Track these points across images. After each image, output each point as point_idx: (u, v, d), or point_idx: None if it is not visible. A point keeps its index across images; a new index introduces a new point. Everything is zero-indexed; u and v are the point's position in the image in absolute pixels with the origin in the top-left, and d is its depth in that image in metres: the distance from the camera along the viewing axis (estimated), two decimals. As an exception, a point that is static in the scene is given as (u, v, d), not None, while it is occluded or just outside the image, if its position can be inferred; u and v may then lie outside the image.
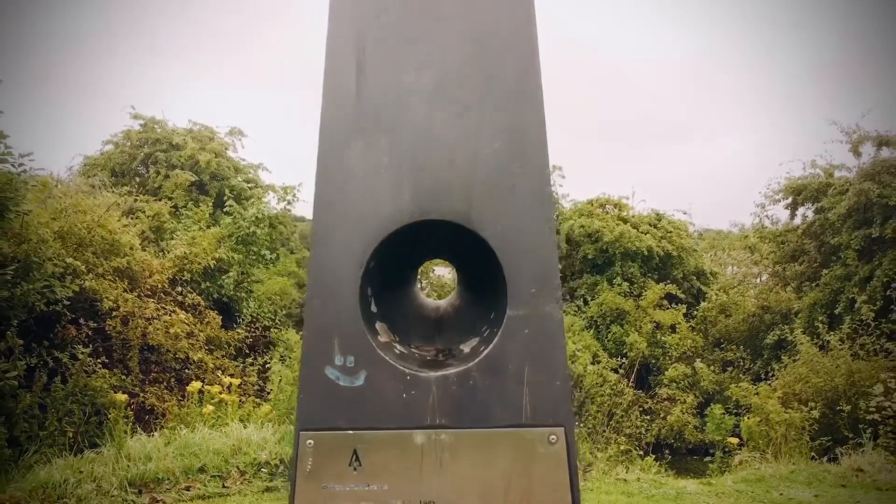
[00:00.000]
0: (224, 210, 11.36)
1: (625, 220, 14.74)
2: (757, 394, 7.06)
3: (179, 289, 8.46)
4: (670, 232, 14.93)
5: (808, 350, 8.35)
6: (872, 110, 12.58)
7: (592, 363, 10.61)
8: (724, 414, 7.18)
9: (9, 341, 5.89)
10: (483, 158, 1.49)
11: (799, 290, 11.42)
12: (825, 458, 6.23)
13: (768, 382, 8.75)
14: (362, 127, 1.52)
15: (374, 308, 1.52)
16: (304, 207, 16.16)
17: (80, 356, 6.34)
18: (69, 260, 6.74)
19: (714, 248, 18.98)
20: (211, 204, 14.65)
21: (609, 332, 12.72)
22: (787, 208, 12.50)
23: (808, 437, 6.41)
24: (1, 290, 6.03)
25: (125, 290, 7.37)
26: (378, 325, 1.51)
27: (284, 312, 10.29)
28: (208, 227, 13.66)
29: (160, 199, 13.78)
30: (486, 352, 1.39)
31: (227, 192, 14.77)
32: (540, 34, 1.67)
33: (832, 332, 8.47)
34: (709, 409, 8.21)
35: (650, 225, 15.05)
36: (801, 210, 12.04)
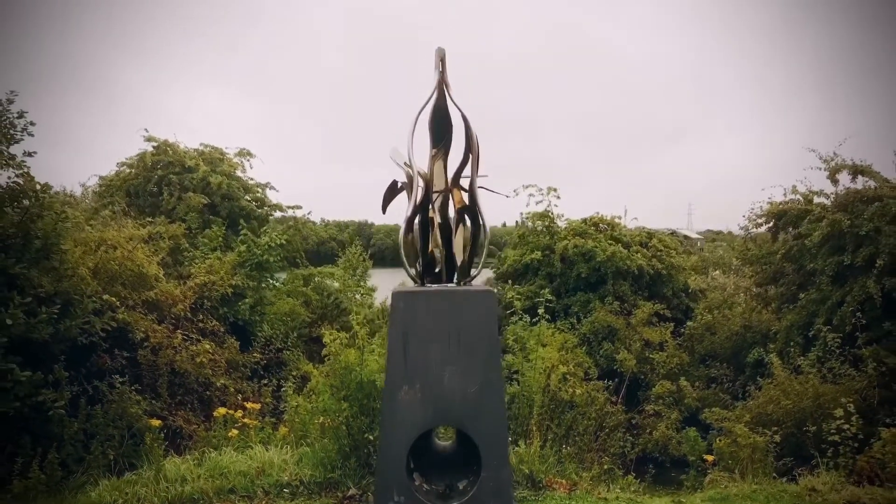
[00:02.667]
0: (239, 237, 12.06)
1: (617, 240, 15.46)
2: (728, 419, 7.75)
3: (201, 316, 9.16)
4: (660, 251, 15.65)
5: (780, 373, 9.05)
6: (850, 138, 13.16)
7: (585, 378, 11.32)
8: (697, 436, 7.86)
9: (56, 374, 6.60)
10: (469, 395, 3.20)
11: (779, 310, 12.12)
12: (787, 479, 6.91)
13: (744, 402, 9.46)
14: (409, 377, 3.20)
15: (412, 465, 3.02)
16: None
17: (118, 386, 7.04)
18: (105, 297, 7.43)
19: (704, 263, 19.72)
20: (222, 225, 15.39)
21: (601, 348, 13.44)
22: (769, 231, 13.21)
23: (773, 457, 7.09)
24: (47, 327, 6.73)
25: (154, 322, 8.07)
26: (415, 475, 2.88)
27: (295, 334, 10.97)
28: (219, 248, 14.43)
29: (174, 221, 14.52)
30: (472, 491, 2.87)
31: (240, 217, 15.52)
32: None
33: (804, 357, 9.17)
34: (684, 431, 8.91)
35: (641, 245, 15.78)
36: (781, 234, 12.74)
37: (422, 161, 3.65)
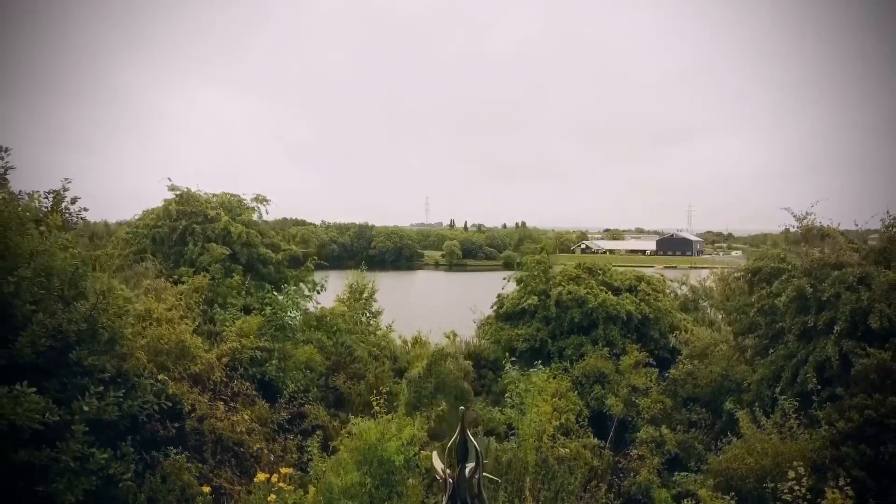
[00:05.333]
0: (265, 301, 13.27)
1: (608, 286, 16.68)
2: (695, 481, 8.92)
3: (235, 383, 10.36)
4: (648, 294, 16.86)
5: (747, 429, 10.24)
6: (827, 200, 14.33)
7: (577, 421, 12.61)
8: (668, 497, 9.03)
9: (123, 449, 7.81)
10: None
11: (752, 361, 13.31)
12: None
13: (715, 454, 10.67)
14: None
15: None
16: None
17: (172, 455, 8.24)
18: (160, 377, 8.64)
19: (694, 295, 20.93)
20: (242, 272, 16.65)
21: (592, 390, 14.65)
22: (746, 283, 14.42)
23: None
24: (114, 408, 7.93)
25: (198, 393, 9.27)
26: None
27: (315, 389, 12.16)
28: (240, 293, 15.65)
29: (198, 271, 15.79)
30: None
31: (258, 262, 16.78)
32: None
33: (769, 416, 10.35)
34: (654, 490, 10.11)
35: (630, 289, 17.00)
36: (756, 289, 13.93)
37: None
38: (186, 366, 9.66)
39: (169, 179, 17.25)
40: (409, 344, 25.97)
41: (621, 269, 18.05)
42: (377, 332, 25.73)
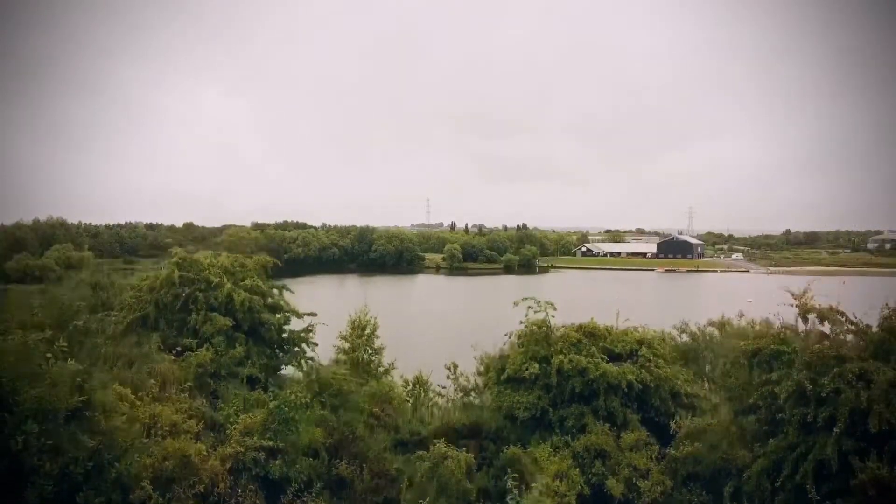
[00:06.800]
0: (269, 391, 13.38)
1: (609, 352, 16.77)
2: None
3: (240, 490, 10.47)
4: (650, 360, 16.94)
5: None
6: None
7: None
8: None
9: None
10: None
11: (752, 447, 13.39)
12: None
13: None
14: None
15: None
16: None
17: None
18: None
19: (694, 350, 21.03)
20: (244, 340, 16.78)
21: (593, 465, 14.75)
22: (745, 362, 14.49)
23: None
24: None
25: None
26: None
27: (319, 484, 12.26)
28: (243, 362, 15.73)
29: (202, 342, 15.93)
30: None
31: (260, 327, 16.89)
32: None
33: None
34: None
35: (632, 353, 17.09)
36: (756, 371, 14.01)
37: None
38: (191, 482, 9.77)
39: (175, 249, 17.36)
40: (410, 385, 26.15)
41: (622, 330, 18.13)
42: (379, 377, 25.89)
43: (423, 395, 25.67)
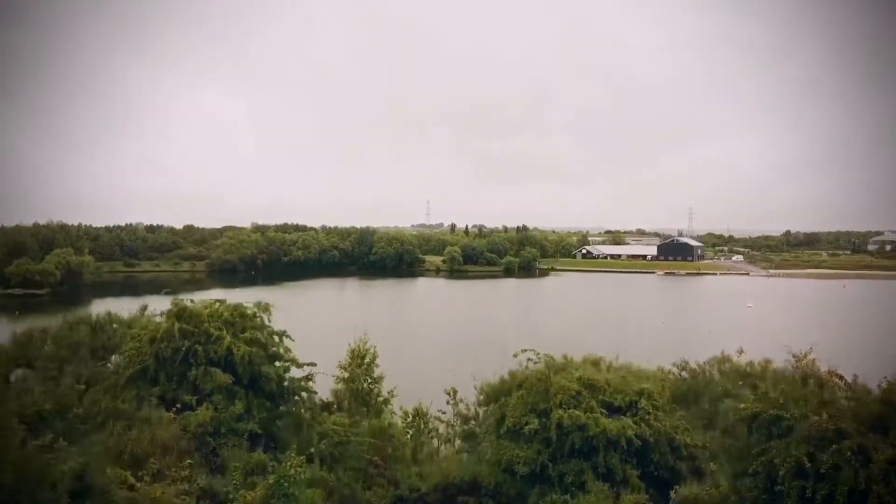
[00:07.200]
0: (269, 468, 13.40)
1: (608, 406, 16.79)
2: None
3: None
4: (649, 413, 16.96)
5: None
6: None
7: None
8: None
9: None
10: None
11: (751, 512, 13.42)
12: None
13: None
14: None
15: None
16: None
17: None
18: None
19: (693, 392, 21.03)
20: (244, 393, 16.80)
21: (592, 528, 14.79)
22: (744, 423, 14.51)
23: None
24: None
25: None
26: None
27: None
28: (243, 418, 15.73)
29: (201, 400, 15.94)
30: None
31: (259, 379, 16.90)
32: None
33: None
34: None
35: (631, 405, 17.11)
36: (754, 435, 14.02)
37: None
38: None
39: (174, 299, 17.36)
40: (410, 417, 26.18)
41: (622, 381, 18.12)
42: (378, 408, 25.90)
43: (423, 425, 25.76)
